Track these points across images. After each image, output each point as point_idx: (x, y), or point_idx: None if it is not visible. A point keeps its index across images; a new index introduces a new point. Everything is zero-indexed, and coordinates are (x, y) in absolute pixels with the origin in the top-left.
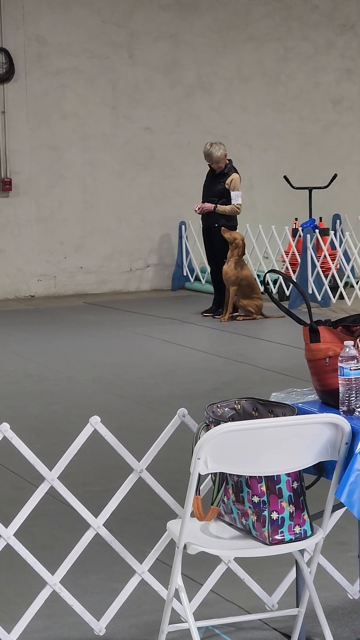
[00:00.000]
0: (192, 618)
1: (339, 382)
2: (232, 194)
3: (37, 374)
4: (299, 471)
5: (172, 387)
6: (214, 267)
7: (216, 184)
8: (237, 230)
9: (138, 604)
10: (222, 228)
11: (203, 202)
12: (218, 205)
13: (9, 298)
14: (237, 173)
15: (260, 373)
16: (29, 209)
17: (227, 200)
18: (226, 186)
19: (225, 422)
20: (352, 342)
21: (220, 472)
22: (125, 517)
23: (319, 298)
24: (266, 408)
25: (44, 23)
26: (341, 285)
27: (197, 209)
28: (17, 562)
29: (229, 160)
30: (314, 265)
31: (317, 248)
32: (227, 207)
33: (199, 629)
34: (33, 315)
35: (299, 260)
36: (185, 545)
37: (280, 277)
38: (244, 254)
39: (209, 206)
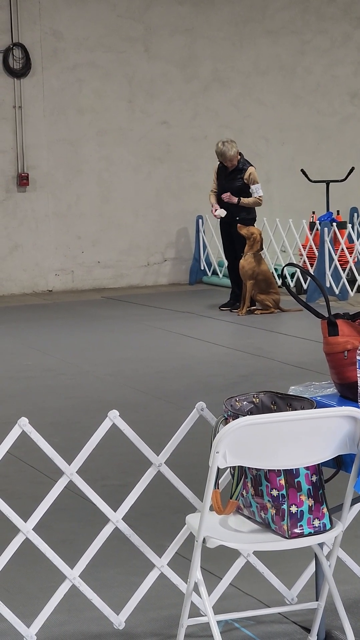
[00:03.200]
0: (212, 612)
1: (358, 375)
2: (253, 187)
3: (55, 368)
4: (318, 464)
5: (190, 380)
6: (231, 261)
7: (233, 180)
8: (255, 224)
9: (157, 597)
10: (238, 225)
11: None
12: (241, 198)
13: (27, 293)
14: (252, 166)
15: (279, 366)
16: (46, 204)
17: (246, 195)
18: (245, 181)
19: (244, 415)
20: None
21: (239, 466)
22: (144, 511)
23: (337, 291)
24: (285, 401)
25: (60, 18)
26: (359, 278)
27: (214, 212)
28: (37, 556)
29: (240, 154)
30: (331, 259)
31: (335, 241)
32: (250, 199)
33: (218, 622)
34: (51, 310)
35: (317, 253)
36: (204, 539)
37: (298, 270)
38: (262, 248)
39: (233, 198)
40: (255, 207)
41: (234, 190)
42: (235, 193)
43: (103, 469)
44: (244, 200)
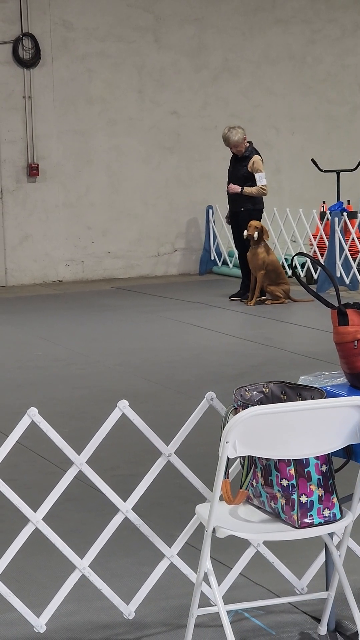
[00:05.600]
0: (222, 602)
1: None
2: (256, 175)
3: (65, 358)
4: (328, 454)
5: (200, 370)
6: (241, 251)
7: (239, 168)
8: (264, 214)
9: (167, 587)
10: (244, 232)
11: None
12: (244, 187)
13: (37, 283)
14: (259, 154)
15: (289, 356)
16: (56, 194)
17: (252, 183)
18: (249, 169)
19: (254, 405)
20: None
21: (248, 456)
22: (154, 501)
23: (347, 281)
24: (294, 391)
25: (70, 8)
26: None
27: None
28: (46, 546)
29: (249, 142)
30: (342, 248)
31: (345, 231)
32: (253, 189)
33: (228, 612)
34: (61, 300)
35: (327, 243)
36: (214, 528)
37: (308, 260)
38: (267, 237)
39: (236, 187)
40: (263, 198)
41: (239, 178)
42: (240, 181)
43: (113, 459)
44: (247, 189)
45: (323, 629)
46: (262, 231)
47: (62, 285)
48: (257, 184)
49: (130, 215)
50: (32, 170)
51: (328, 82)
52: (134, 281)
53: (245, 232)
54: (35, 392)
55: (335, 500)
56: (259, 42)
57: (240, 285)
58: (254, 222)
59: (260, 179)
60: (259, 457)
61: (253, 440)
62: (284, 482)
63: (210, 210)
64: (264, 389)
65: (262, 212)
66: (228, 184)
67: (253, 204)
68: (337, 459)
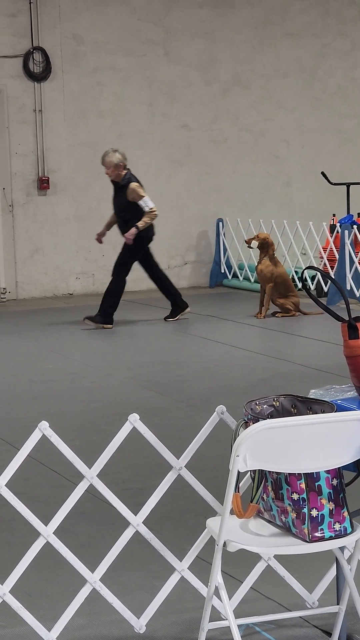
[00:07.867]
0: (232, 615)
1: None
2: (140, 202)
3: (75, 372)
4: (339, 468)
5: (211, 384)
6: (148, 271)
7: (120, 198)
8: (273, 227)
9: (178, 601)
10: (246, 240)
11: (116, 216)
12: (138, 224)
13: (48, 296)
14: (136, 181)
15: (299, 370)
16: (67, 207)
17: (137, 212)
18: (128, 199)
19: (264, 419)
20: None
21: (259, 470)
22: (165, 514)
23: (358, 294)
24: (305, 405)
25: (81, 21)
26: None
27: (100, 239)
28: (57, 560)
29: (127, 169)
30: (352, 261)
31: (356, 244)
32: (145, 219)
33: (239, 626)
34: (71, 313)
35: (337, 256)
36: (224, 542)
37: (319, 273)
38: (274, 250)
39: (131, 234)
40: (152, 225)
41: (122, 207)
42: (124, 210)
43: (123, 473)
44: (141, 224)
45: None
46: (267, 243)
47: (73, 298)
48: (145, 210)
49: None
50: (43, 184)
51: (338, 95)
52: (144, 294)
53: (251, 241)
54: (46, 405)
55: (346, 514)
56: (269, 56)
57: (170, 303)
58: (261, 234)
59: (146, 203)
60: (269, 471)
61: (264, 454)
62: (295, 496)
63: (221, 223)
64: (274, 403)
65: (151, 241)
66: (115, 215)
67: (144, 231)
68: (347, 473)
